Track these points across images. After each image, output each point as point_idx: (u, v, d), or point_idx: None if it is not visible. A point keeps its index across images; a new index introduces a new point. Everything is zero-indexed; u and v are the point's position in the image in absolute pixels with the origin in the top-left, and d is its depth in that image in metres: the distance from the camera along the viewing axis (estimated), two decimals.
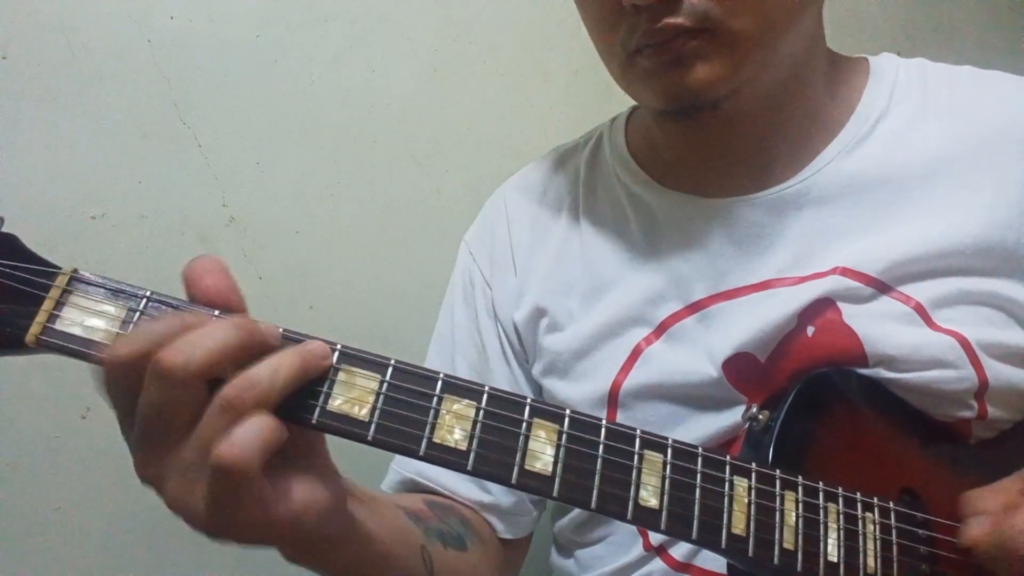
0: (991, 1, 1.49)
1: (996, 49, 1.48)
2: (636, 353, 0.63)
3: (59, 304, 0.42)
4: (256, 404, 0.39)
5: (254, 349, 0.41)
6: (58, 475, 0.87)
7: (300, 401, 0.42)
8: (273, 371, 0.40)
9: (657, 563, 0.62)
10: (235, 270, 1.02)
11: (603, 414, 0.63)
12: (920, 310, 0.57)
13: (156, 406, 0.39)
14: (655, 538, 0.63)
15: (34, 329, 0.41)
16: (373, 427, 0.43)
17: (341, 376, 0.44)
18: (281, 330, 0.44)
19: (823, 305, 0.58)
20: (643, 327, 0.63)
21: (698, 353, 0.61)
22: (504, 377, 0.72)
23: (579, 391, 0.65)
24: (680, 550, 0.61)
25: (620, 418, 0.63)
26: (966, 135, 0.60)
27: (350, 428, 0.43)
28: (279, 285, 0.99)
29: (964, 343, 0.56)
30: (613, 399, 0.63)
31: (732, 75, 0.55)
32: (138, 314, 0.43)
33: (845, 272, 0.58)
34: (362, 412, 0.43)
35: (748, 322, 0.59)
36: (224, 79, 0.95)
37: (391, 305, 1.04)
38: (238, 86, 0.96)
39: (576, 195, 0.71)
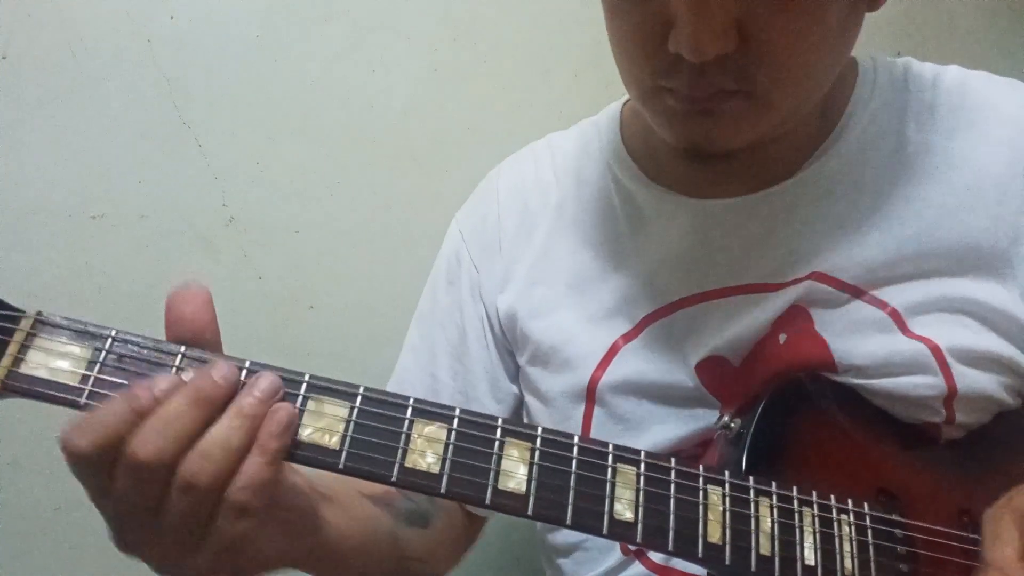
0: (991, 1, 1.48)
1: (996, 49, 1.48)
2: (614, 350, 0.63)
3: (24, 348, 0.42)
4: (217, 476, 0.40)
5: (219, 410, 0.41)
6: (58, 475, 0.87)
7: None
8: (224, 442, 0.40)
9: (637, 567, 0.62)
10: (235, 270, 1.03)
11: (581, 407, 0.64)
12: (895, 316, 0.57)
13: (130, 493, 0.40)
14: None
15: None
16: (344, 455, 0.43)
17: (310, 406, 0.43)
18: (247, 364, 0.43)
19: (796, 313, 0.58)
20: (622, 324, 0.63)
21: (674, 354, 0.61)
22: (481, 360, 0.71)
23: (559, 382, 0.65)
24: (658, 553, 0.62)
25: (597, 412, 0.63)
26: (948, 138, 0.60)
27: (320, 458, 0.43)
28: (279, 285, 0.99)
29: (935, 350, 0.56)
30: (591, 393, 0.63)
31: (755, 134, 0.55)
32: (104, 353, 0.43)
33: (820, 277, 0.58)
34: (332, 441, 0.43)
35: (725, 326, 0.60)
36: (224, 79, 0.95)
37: (391, 305, 1.04)
38: (238, 86, 0.96)
39: (567, 184, 0.71)
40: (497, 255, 0.71)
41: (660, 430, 0.61)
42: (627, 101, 0.73)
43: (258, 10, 0.97)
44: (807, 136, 0.62)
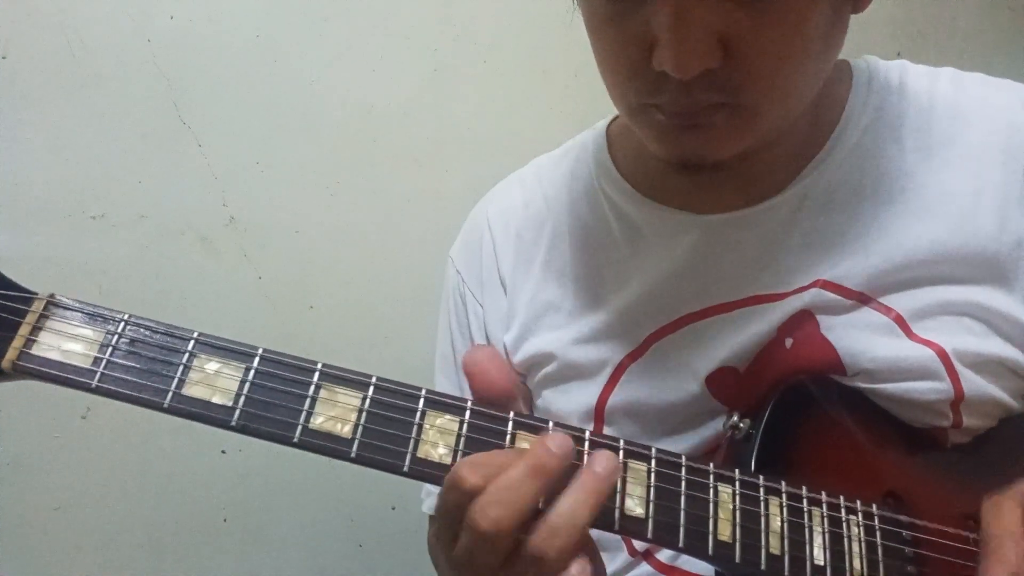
0: (991, 1, 1.49)
1: (996, 49, 1.49)
2: (620, 370, 0.63)
3: (36, 329, 0.42)
4: (563, 551, 0.41)
5: (555, 484, 0.43)
6: (58, 475, 0.87)
7: (281, 420, 0.43)
8: (572, 517, 0.41)
9: (644, 567, 0.62)
10: (235, 270, 1.04)
11: (590, 427, 0.64)
12: (900, 321, 0.57)
13: (469, 551, 0.41)
14: (639, 543, 0.63)
15: (10, 355, 0.41)
16: (356, 444, 0.43)
17: (322, 393, 0.43)
18: (551, 425, 0.45)
19: (801, 318, 0.58)
20: (628, 343, 0.63)
21: (682, 370, 0.61)
22: None
23: (568, 403, 0.65)
24: (665, 554, 0.61)
25: (607, 432, 0.63)
26: (946, 142, 0.60)
27: (333, 446, 0.43)
28: (279, 285, 0.99)
29: (942, 354, 0.55)
30: (599, 414, 0.63)
31: (743, 145, 0.55)
32: (116, 337, 0.42)
33: (825, 285, 0.58)
34: (344, 429, 0.43)
35: (732, 339, 0.59)
36: (224, 79, 0.95)
37: (390, 305, 1.05)
38: (238, 86, 0.96)
39: (560, 209, 0.70)
40: (499, 292, 0.71)
41: (667, 443, 0.61)
42: (614, 119, 0.72)
43: (258, 10, 0.97)
44: (800, 144, 0.61)
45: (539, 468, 0.42)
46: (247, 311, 0.97)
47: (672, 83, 0.49)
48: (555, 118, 1.14)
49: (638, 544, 0.63)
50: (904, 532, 0.51)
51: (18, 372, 0.41)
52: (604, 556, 0.65)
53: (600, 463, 0.43)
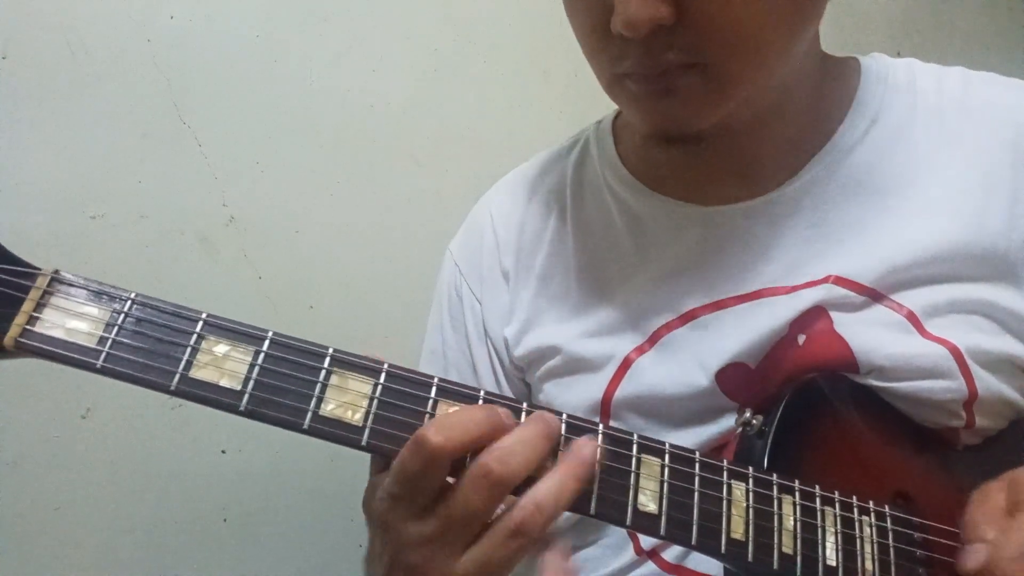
0: (991, 1, 1.49)
1: (996, 49, 1.49)
2: (627, 364, 0.62)
3: (39, 306, 0.40)
4: (543, 528, 0.41)
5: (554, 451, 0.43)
6: (58, 475, 0.87)
7: (291, 405, 0.42)
8: (557, 497, 0.41)
9: (649, 566, 0.62)
10: (235, 270, 1.04)
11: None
12: (912, 318, 0.57)
13: (461, 512, 0.41)
14: (646, 542, 0.62)
15: (12, 332, 0.39)
16: (367, 432, 0.42)
17: (334, 380, 0.43)
18: (565, 417, 0.45)
19: (815, 314, 0.58)
20: (634, 337, 0.63)
21: (690, 364, 0.60)
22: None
23: (573, 397, 0.65)
24: (672, 553, 0.61)
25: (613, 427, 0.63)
26: (955, 140, 0.59)
27: (343, 433, 0.42)
28: (279, 285, 0.99)
29: (955, 352, 0.55)
30: (605, 408, 0.63)
31: (719, 110, 0.54)
32: (123, 316, 0.41)
33: (838, 281, 0.58)
34: (355, 417, 0.42)
35: (741, 333, 0.59)
36: (224, 79, 0.95)
37: (390, 305, 1.04)
38: (238, 86, 0.96)
39: (563, 203, 0.70)
40: (501, 286, 0.70)
41: (675, 438, 0.60)
42: (618, 113, 0.72)
43: (258, 10, 0.97)
44: (804, 136, 0.61)
45: (549, 434, 0.43)
46: (247, 311, 0.97)
47: (633, 46, 0.50)
48: (555, 118, 1.14)
49: (644, 542, 0.62)
50: (915, 534, 0.51)
51: (21, 350, 0.40)
52: (609, 553, 0.65)
53: (586, 447, 0.43)
